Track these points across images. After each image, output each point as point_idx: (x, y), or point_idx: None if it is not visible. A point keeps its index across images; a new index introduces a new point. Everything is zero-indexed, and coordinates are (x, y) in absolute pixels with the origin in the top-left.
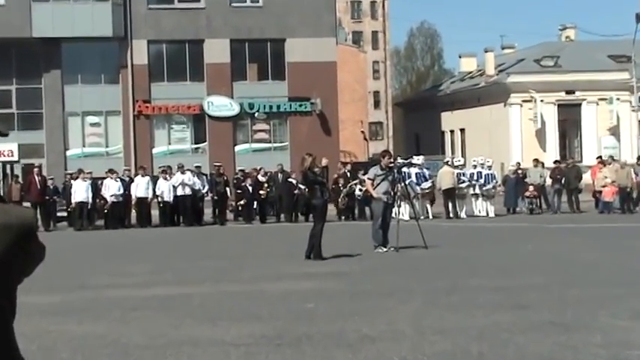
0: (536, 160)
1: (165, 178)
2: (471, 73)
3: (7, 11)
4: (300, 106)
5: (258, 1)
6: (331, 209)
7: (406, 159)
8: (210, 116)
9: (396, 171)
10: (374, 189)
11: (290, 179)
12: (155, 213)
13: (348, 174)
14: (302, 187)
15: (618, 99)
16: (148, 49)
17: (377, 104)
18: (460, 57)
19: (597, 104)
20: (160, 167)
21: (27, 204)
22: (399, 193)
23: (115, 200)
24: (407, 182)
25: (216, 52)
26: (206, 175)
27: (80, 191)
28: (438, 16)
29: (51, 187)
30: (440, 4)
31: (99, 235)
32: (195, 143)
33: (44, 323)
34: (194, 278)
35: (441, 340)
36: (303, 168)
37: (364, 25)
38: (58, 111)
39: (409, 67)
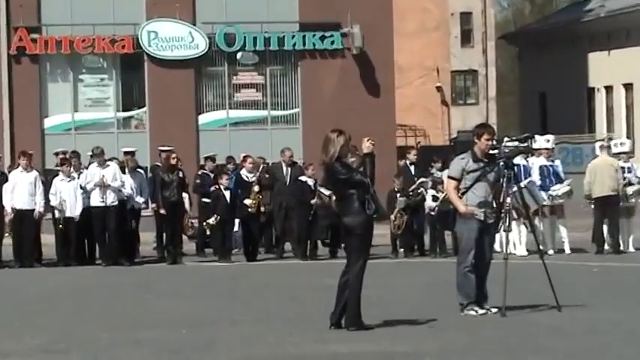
0: None
1: (69, 175)
2: None
3: None
4: (323, 39)
5: None
6: (380, 233)
7: (521, 140)
8: (152, 58)
9: (502, 164)
10: (461, 197)
11: (303, 178)
12: (49, 239)
13: (413, 169)
14: (324, 192)
15: None
16: None
17: (467, 37)
18: None
19: None
20: (57, 154)
21: None
22: (507, 206)
23: None
24: (524, 185)
25: None
26: (145, 169)
27: None
28: None
29: None
30: None
31: None
32: (125, 110)
33: None
34: None
35: None
36: (329, 157)
37: None
38: None
39: None
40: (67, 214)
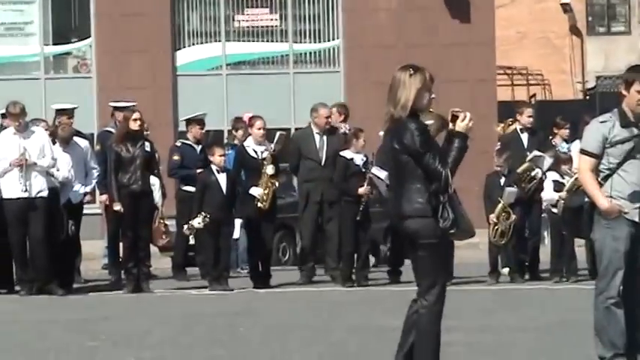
0: None
1: None
2: None
3: None
4: None
5: None
6: (469, 243)
7: None
8: None
9: None
10: (602, 184)
11: (347, 154)
12: None
13: (526, 139)
14: (381, 175)
15: None
16: None
17: None
18: None
19: None
20: None
21: None
22: None
23: None
24: None
25: None
26: (90, 139)
27: None
28: None
29: None
30: None
31: None
32: (57, 43)
33: None
34: None
35: None
36: (399, 108)
37: None
38: None
39: None
40: None
